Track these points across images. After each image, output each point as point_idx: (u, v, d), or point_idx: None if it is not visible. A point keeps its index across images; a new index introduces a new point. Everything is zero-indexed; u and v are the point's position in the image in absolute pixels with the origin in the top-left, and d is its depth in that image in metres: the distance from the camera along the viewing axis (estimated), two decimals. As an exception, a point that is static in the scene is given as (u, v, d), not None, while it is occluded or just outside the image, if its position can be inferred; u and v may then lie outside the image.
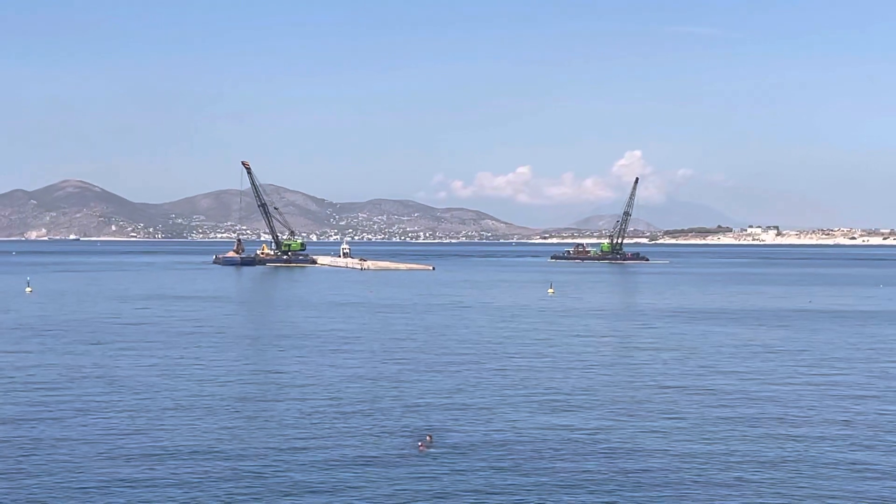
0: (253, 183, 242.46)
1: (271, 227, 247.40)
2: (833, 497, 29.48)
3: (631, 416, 41.20)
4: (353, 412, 41.48)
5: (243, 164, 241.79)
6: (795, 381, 51.01)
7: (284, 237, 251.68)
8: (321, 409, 42.27)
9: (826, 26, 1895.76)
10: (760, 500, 29.08)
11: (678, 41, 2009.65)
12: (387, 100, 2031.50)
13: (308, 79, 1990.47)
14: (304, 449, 34.82)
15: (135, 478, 30.89)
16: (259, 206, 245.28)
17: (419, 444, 35.22)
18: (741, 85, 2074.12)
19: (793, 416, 41.32)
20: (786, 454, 34.38)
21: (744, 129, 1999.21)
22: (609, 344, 68.07)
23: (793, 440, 36.60)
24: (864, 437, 37.28)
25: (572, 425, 39.07)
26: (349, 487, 30.05)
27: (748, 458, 33.71)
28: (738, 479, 31.22)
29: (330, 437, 36.76)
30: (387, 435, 37.01)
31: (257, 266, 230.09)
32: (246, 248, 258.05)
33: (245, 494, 29.31)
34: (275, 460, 33.18)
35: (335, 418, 40.24)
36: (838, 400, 45.30)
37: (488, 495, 29.40)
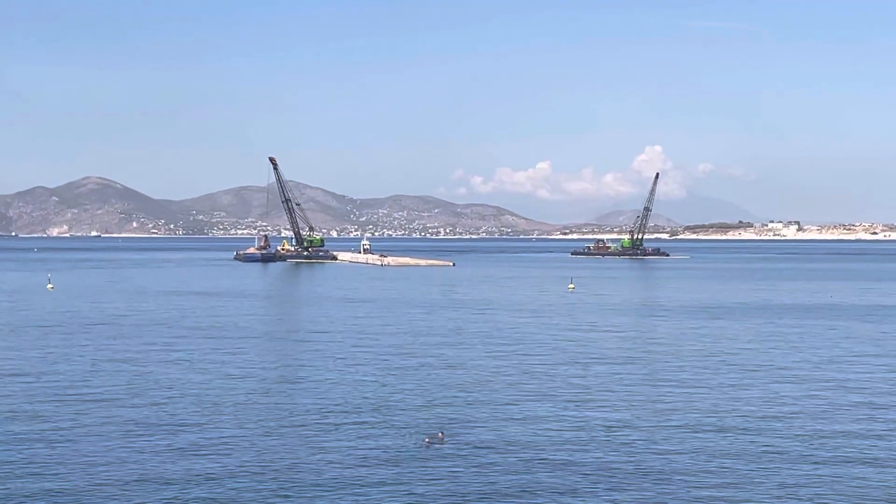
0: (279, 179, 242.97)
1: (294, 224, 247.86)
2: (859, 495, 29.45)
3: (651, 412, 41.15)
4: (369, 408, 41.53)
5: (270, 159, 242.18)
6: (815, 376, 50.80)
7: (304, 233, 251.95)
8: (337, 405, 42.34)
9: (847, 20, 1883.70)
10: (782, 495, 29.04)
11: (699, 35, 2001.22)
12: (406, 95, 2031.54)
13: (328, 75, 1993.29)
14: (318, 444, 34.91)
15: (150, 472, 31.06)
16: (283, 202, 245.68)
17: (426, 439, 35.20)
18: (762, 79, 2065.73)
19: (812, 411, 41.19)
20: (805, 452, 34.29)
21: (765, 124, 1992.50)
22: (629, 339, 67.96)
23: (811, 437, 36.50)
24: (885, 433, 37.18)
25: (591, 422, 39.04)
26: (359, 483, 30.05)
27: (768, 454, 33.63)
28: (759, 475, 31.17)
29: (344, 432, 36.81)
30: (401, 431, 37.03)
31: (278, 262, 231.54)
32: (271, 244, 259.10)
33: (258, 489, 29.42)
34: (287, 455, 33.29)
35: (350, 414, 40.30)
36: (858, 395, 45.12)
37: (498, 493, 29.31)
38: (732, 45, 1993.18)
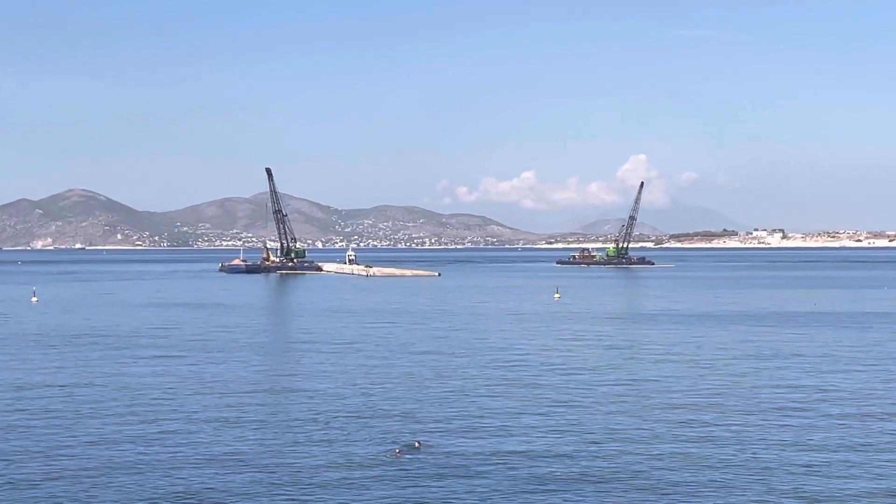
0: (273, 189, 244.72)
1: (284, 235, 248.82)
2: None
3: (635, 421, 41.21)
4: (348, 418, 41.45)
5: (266, 170, 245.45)
6: (799, 383, 50.98)
7: (290, 244, 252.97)
8: (316, 414, 42.29)
9: (830, 26, 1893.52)
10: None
11: (682, 44, 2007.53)
12: (391, 106, 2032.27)
13: (312, 85, 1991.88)
14: (289, 454, 34.96)
15: (130, 479, 31.05)
16: (274, 213, 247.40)
17: (397, 450, 35.06)
18: (746, 87, 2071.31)
19: (795, 418, 41.35)
20: (786, 458, 34.42)
21: (749, 132, 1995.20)
22: (614, 349, 68.03)
23: (794, 444, 36.64)
24: (863, 438, 37.35)
25: (574, 431, 39.07)
26: (314, 494, 30.05)
27: (752, 461, 33.75)
28: (744, 483, 31.27)
29: (316, 443, 36.82)
30: (376, 441, 36.93)
31: (262, 273, 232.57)
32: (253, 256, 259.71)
33: (235, 498, 29.43)
34: (261, 466, 33.27)
35: (327, 424, 40.28)
36: (841, 403, 45.30)
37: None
38: (716, 54, 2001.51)
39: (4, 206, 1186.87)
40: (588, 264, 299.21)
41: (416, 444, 35.82)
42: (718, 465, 33.30)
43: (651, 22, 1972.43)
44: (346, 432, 38.55)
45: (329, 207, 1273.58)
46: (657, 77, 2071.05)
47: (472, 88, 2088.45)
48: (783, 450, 35.47)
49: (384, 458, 34.13)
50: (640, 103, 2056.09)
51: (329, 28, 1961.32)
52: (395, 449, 35.23)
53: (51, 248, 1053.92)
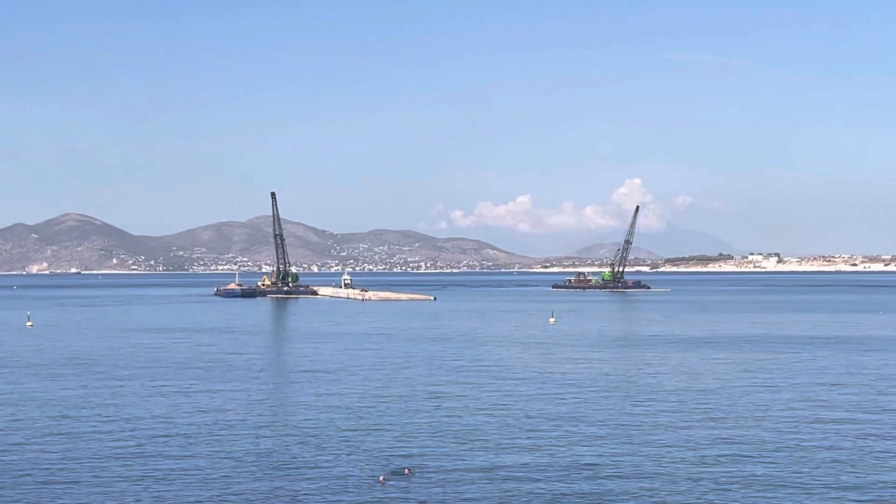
0: (275, 213, 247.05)
1: (283, 258, 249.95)
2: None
3: (631, 445, 41.11)
4: (339, 444, 41.38)
5: (271, 194, 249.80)
6: (793, 407, 50.89)
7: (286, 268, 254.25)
8: (308, 438, 42.30)
9: (824, 51, 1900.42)
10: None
11: (677, 68, 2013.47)
12: (387, 131, 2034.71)
13: (308, 111, 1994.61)
14: (273, 479, 34.95)
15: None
16: (275, 237, 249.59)
17: (381, 477, 34.75)
18: (740, 111, 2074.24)
19: (788, 443, 41.26)
20: (786, 484, 34.33)
21: (744, 156, 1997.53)
22: (609, 373, 67.91)
23: (786, 469, 36.55)
24: (853, 460, 37.27)
25: (571, 460, 38.93)
26: None
27: (746, 487, 33.64)
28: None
29: (304, 468, 36.78)
30: (364, 467, 36.78)
31: (258, 297, 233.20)
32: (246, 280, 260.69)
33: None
34: (250, 491, 33.20)
35: (317, 449, 40.26)
36: (834, 426, 45.23)
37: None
38: (710, 78, 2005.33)
39: (0, 230, 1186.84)
40: (584, 288, 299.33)
41: (406, 471, 35.51)
42: (715, 497, 33.20)
43: (645, 46, 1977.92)
44: (336, 458, 38.42)
45: (325, 231, 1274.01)
46: (652, 101, 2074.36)
47: (467, 113, 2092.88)
48: (778, 478, 35.39)
49: (368, 486, 33.94)
50: (635, 127, 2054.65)
51: (324, 53, 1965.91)
52: (379, 476, 34.87)
53: (46, 272, 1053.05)
